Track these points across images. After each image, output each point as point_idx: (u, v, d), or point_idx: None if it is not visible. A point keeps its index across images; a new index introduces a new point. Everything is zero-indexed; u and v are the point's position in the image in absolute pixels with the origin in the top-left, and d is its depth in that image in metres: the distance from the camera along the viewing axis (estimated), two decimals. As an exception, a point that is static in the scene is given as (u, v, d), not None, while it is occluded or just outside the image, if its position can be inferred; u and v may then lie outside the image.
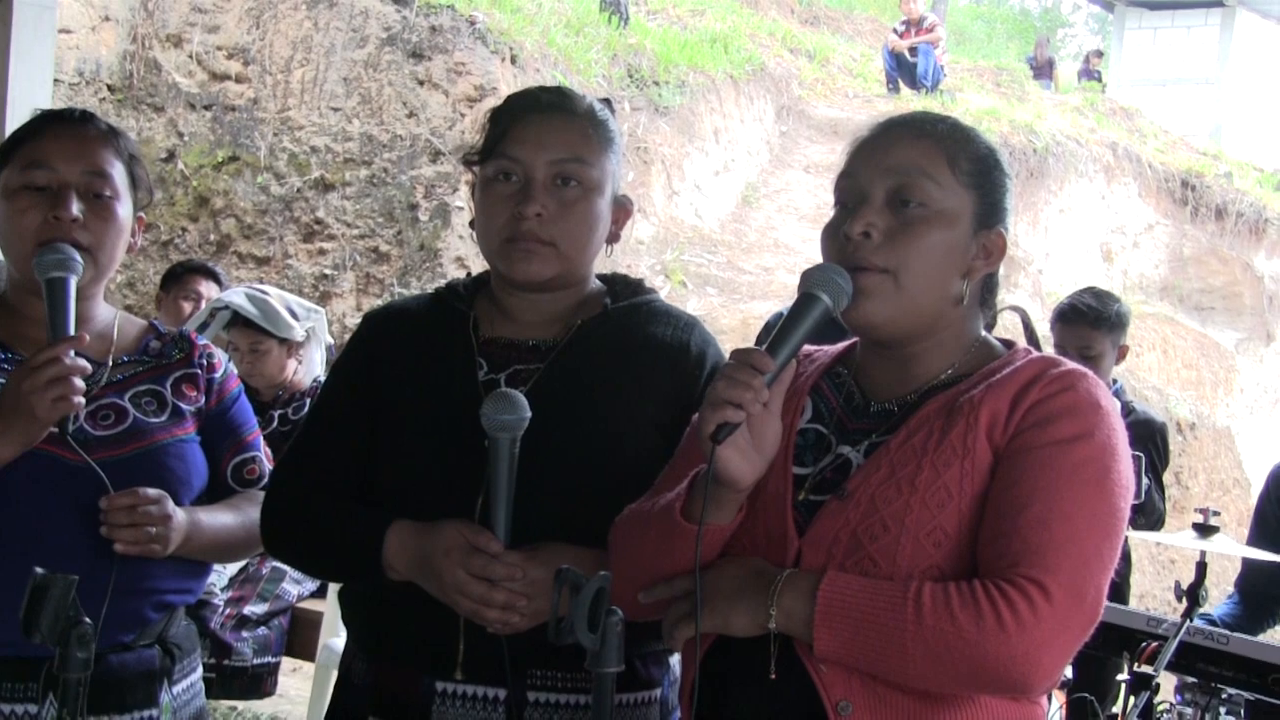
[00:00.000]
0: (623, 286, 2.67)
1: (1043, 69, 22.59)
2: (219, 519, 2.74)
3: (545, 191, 2.46)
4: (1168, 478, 6.21)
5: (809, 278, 2.08)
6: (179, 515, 2.60)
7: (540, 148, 2.47)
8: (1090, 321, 5.33)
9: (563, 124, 2.51)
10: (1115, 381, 5.57)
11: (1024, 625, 1.87)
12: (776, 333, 2.05)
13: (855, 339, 2.29)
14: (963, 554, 1.98)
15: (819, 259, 2.19)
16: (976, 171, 2.15)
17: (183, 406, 2.77)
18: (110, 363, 2.73)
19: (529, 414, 2.27)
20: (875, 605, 1.92)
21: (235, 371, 2.95)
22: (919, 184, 2.11)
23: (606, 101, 2.65)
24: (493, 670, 2.39)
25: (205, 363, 2.85)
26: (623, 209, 2.62)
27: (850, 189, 2.17)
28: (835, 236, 2.15)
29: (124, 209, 2.69)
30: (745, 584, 2.03)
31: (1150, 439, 5.50)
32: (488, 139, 2.54)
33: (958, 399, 2.08)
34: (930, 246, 2.10)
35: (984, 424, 2.03)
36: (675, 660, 2.60)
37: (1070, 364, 2.10)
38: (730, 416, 1.97)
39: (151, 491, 2.56)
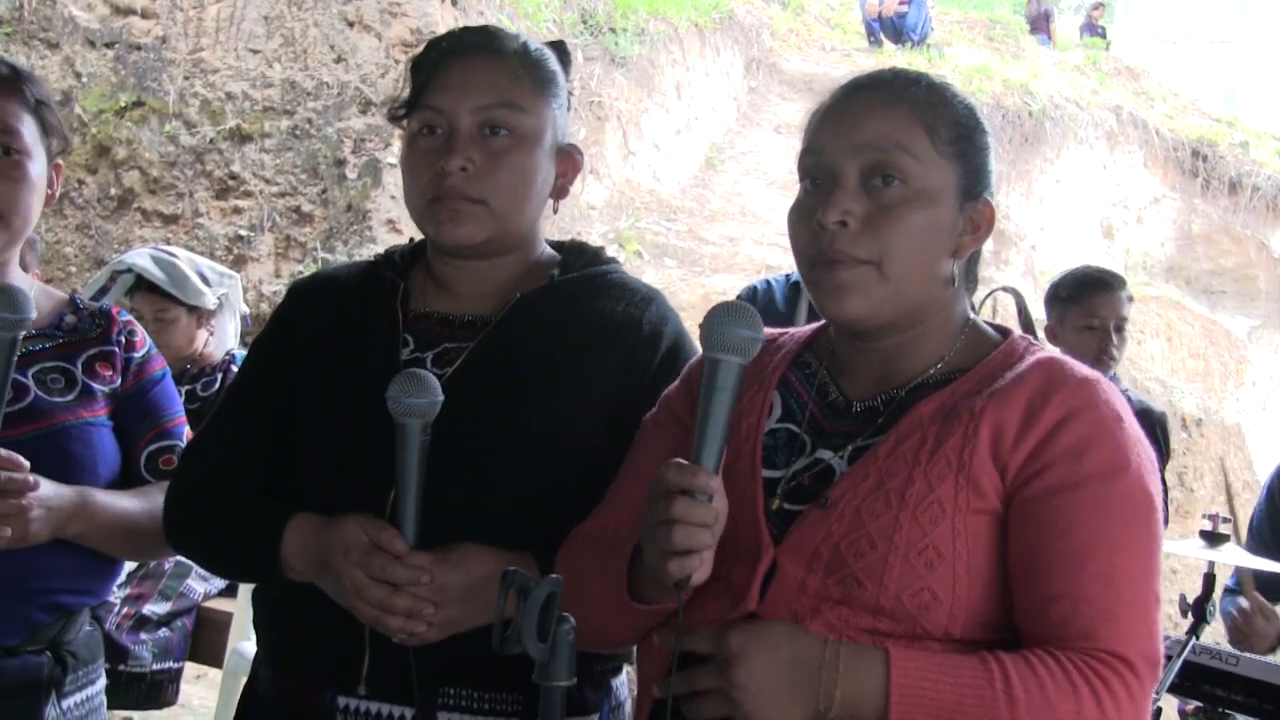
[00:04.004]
0: (577, 255, 2.63)
1: (1037, 23, 22.57)
2: (121, 504, 2.69)
3: (471, 143, 2.44)
4: (1171, 478, 6.26)
5: (709, 339, 1.99)
6: (58, 495, 2.54)
7: (463, 94, 2.45)
8: (1124, 289, 5.63)
9: (488, 66, 2.48)
10: (1112, 372, 5.63)
11: (1122, 711, 1.91)
12: (699, 426, 1.97)
13: (823, 322, 2.28)
14: (957, 575, 1.98)
15: (789, 229, 2.18)
16: (957, 138, 2.13)
17: (94, 386, 2.73)
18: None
19: (440, 397, 2.25)
20: (959, 691, 1.90)
21: (160, 353, 2.92)
22: (896, 160, 2.08)
23: (560, 45, 2.63)
24: (399, 686, 2.37)
25: (124, 340, 2.82)
26: (570, 160, 2.59)
27: (818, 167, 2.14)
28: (807, 222, 2.12)
29: (37, 166, 2.67)
30: (785, 677, 1.95)
31: (1149, 431, 5.54)
32: (411, 91, 2.52)
33: (956, 405, 2.07)
34: (914, 230, 2.08)
35: (986, 437, 2.02)
36: (618, 683, 2.60)
37: (1078, 367, 2.10)
38: (694, 567, 1.94)
39: None
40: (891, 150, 2.08)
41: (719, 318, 1.97)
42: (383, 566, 2.25)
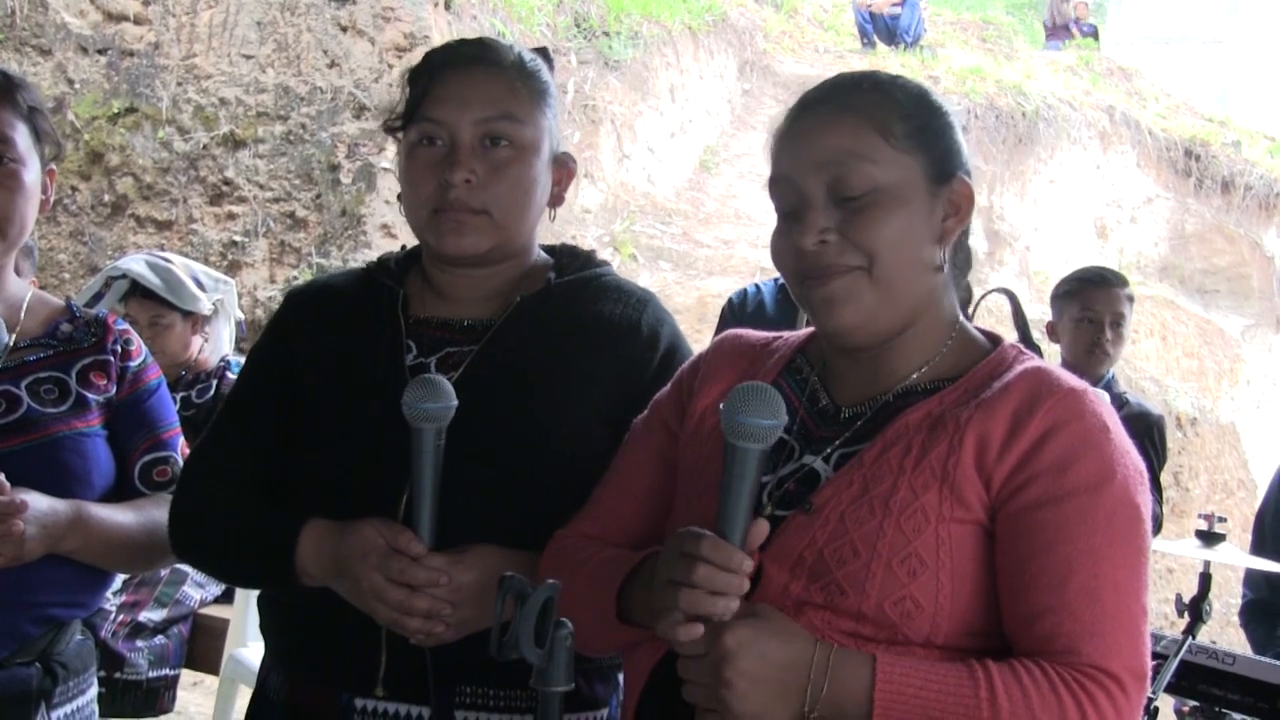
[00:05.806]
0: (570, 259, 2.67)
1: (1056, 32, 22.40)
2: (115, 517, 2.68)
3: (473, 155, 2.46)
4: (1166, 478, 6.26)
5: (730, 426, 1.98)
6: (52, 511, 2.53)
7: (464, 106, 2.47)
8: (1123, 287, 5.61)
9: (487, 78, 2.50)
10: (1109, 372, 5.63)
11: None
12: (722, 507, 1.98)
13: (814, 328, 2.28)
14: (940, 584, 1.98)
15: (774, 258, 2.18)
16: (913, 130, 2.12)
17: (88, 396, 2.73)
18: (10, 345, 2.69)
19: (455, 402, 2.27)
20: (943, 699, 1.90)
21: (156, 362, 2.91)
22: (857, 170, 2.08)
23: (543, 51, 2.64)
24: (417, 686, 2.39)
25: (119, 349, 2.81)
26: (564, 168, 2.62)
27: (788, 193, 2.15)
28: (789, 251, 2.13)
29: (31, 173, 2.67)
30: (774, 677, 1.94)
31: (1146, 435, 5.55)
32: (408, 102, 2.54)
33: (943, 414, 2.07)
34: (892, 229, 2.07)
35: (970, 448, 2.02)
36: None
37: (1066, 377, 2.09)
38: (699, 633, 1.95)
39: None
40: (849, 161, 2.08)
41: (739, 406, 1.97)
42: (401, 569, 2.27)
